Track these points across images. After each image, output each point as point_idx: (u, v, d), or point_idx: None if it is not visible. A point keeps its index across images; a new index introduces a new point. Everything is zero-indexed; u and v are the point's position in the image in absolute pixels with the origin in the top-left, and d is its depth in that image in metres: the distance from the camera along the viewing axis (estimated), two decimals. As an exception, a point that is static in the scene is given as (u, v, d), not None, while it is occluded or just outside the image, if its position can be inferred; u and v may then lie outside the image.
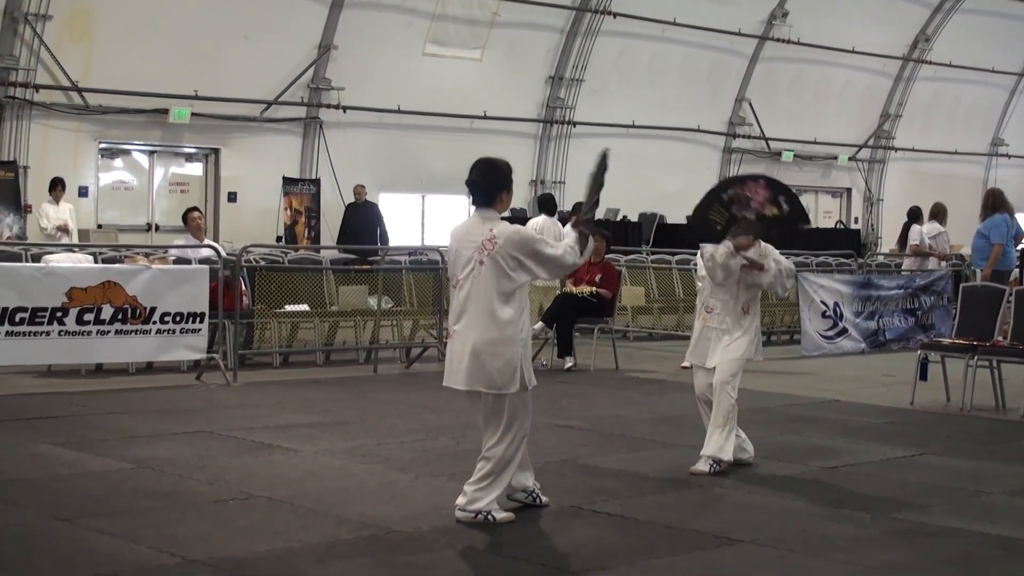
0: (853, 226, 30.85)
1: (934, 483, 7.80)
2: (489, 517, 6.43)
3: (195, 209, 13.99)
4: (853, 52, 29.15)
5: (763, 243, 8.10)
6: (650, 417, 10.27)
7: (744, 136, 28.52)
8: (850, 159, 30.93)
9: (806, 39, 28.00)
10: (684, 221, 25.55)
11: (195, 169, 21.74)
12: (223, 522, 6.44)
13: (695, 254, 13.17)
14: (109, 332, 11.29)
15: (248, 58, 20.96)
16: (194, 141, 21.26)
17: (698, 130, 27.63)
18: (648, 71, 26.44)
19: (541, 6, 24.06)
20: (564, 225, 14.76)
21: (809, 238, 25.72)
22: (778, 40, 27.81)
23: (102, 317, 11.23)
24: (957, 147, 32.69)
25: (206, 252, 12.91)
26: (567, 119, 25.45)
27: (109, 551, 5.84)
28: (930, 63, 30.87)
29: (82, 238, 18.38)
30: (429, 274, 14.40)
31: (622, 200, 24.50)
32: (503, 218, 6.73)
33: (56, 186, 17.92)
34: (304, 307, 13.50)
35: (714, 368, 8.06)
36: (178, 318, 11.64)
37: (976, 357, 10.74)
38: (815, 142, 29.86)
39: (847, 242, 25.57)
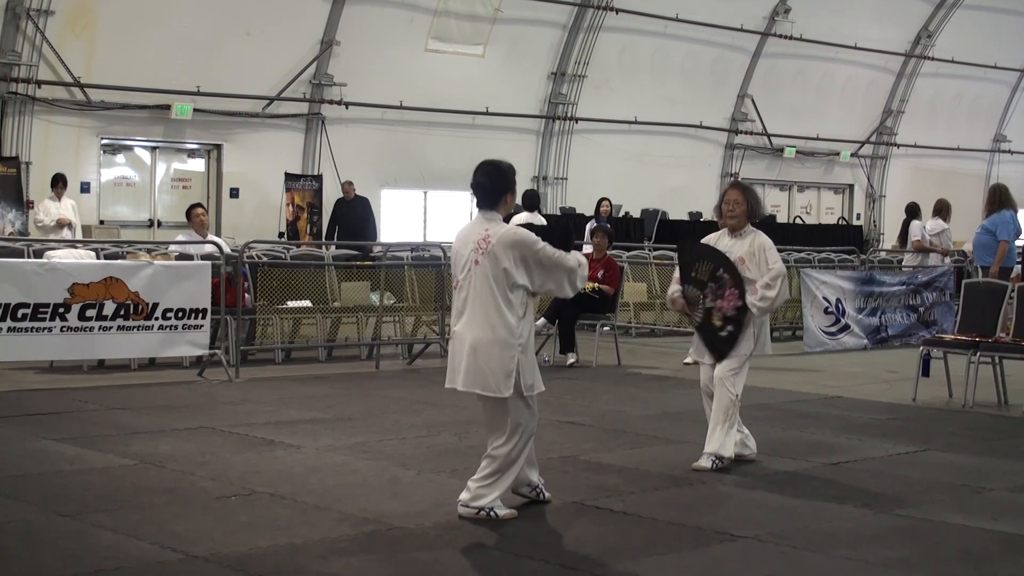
0: (855, 222, 30.84)
1: (936, 479, 7.79)
2: (492, 514, 6.43)
3: (199, 205, 13.99)
4: (855, 48, 29.15)
5: (765, 249, 8.06)
6: (652, 413, 10.26)
7: (746, 132, 28.51)
8: (852, 155, 30.92)
9: (808, 35, 27.98)
10: (687, 217, 25.69)
11: (197, 165, 21.75)
12: (225, 518, 6.44)
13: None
14: (111, 328, 11.29)
15: (250, 54, 20.96)
16: (196, 137, 21.27)
17: (700, 126, 27.63)
18: (650, 67, 26.43)
19: (543, 2, 24.05)
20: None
21: (811, 234, 25.76)
22: (780, 36, 27.79)
23: (104, 313, 11.23)
24: (959, 143, 32.67)
25: (210, 248, 12.91)
26: (569, 115, 25.44)
27: (111, 546, 5.84)
28: (933, 59, 30.85)
29: (84, 234, 18.40)
30: (431, 270, 14.40)
31: (624, 196, 24.51)
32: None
33: (58, 182, 17.94)
34: (306, 303, 13.50)
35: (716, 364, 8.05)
36: (180, 314, 11.64)
37: (978, 353, 10.73)
38: (817, 138, 29.85)
39: (849, 238, 25.55)
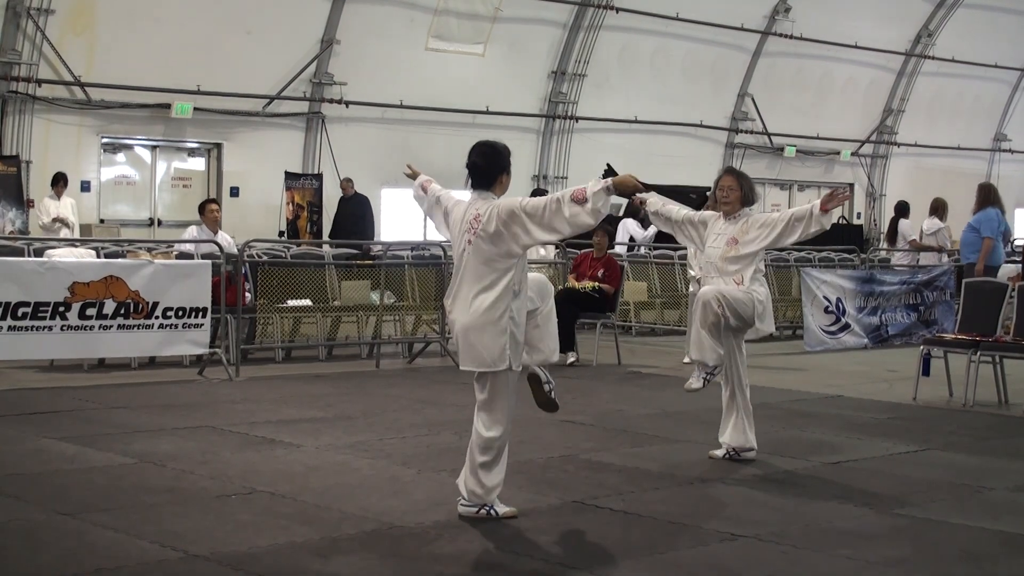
0: (856, 222, 30.83)
1: (936, 479, 7.79)
2: (492, 512, 6.42)
3: (213, 201, 13.98)
4: (856, 47, 29.13)
5: (756, 218, 8.05)
6: (653, 412, 10.26)
7: (747, 131, 28.49)
8: (853, 154, 30.90)
9: (809, 34, 27.96)
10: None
11: (197, 164, 21.73)
12: (225, 517, 6.44)
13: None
14: (112, 327, 11.29)
15: (251, 53, 20.95)
16: (196, 136, 21.26)
17: (700, 125, 27.61)
18: (651, 66, 26.42)
19: (543, 0, 24.03)
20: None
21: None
22: (781, 35, 27.77)
23: (104, 312, 11.23)
24: (960, 142, 32.65)
25: (224, 241, 12.89)
26: (570, 114, 25.43)
27: (111, 545, 5.84)
28: (933, 58, 30.83)
29: (84, 233, 18.39)
30: (431, 269, 14.40)
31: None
32: None
33: (58, 181, 17.93)
34: (306, 302, 13.51)
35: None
36: (180, 313, 11.64)
37: (979, 353, 10.74)
38: (818, 137, 29.83)
39: (850, 238, 25.51)
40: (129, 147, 21.04)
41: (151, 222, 21.08)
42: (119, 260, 12.11)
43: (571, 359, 13.37)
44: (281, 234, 21.08)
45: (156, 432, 8.79)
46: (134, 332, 11.44)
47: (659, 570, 5.72)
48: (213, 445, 8.36)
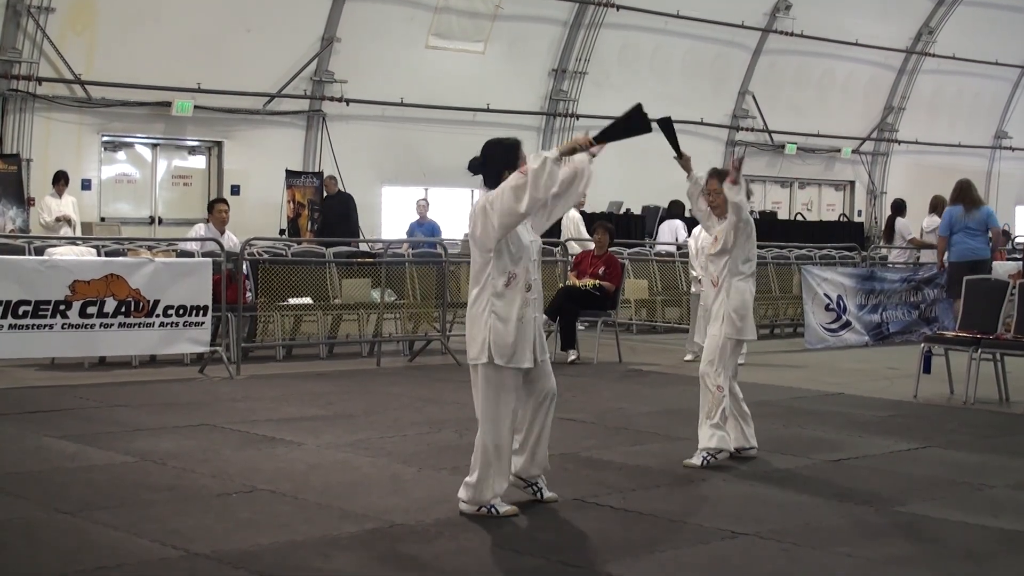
0: (856, 219, 30.82)
1: (937, 476, 7.79)
2: (492, 510, 6.43)
3: (223, 201, 13.98)
4: (856, 45, 29.12)
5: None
6: (653, 410, 10.26)
7: (747, 129, 28.49)
8: (853, 152, 30.90)
9: (809, 31, 27.95)
10: (688, 215, 25.66)
11: (198, 162, 21.74)
12: (226, 515, 6.44)
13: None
14: (112, 325, 11.30)
15: (251, 51, 20.95)
16: (197, 134, 21.26)
17: (701, 123, 27.60)
18: (651, 64, 26.41)
19: (544, -2, 24.06)
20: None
21: (812, 231, 25.75)
22: (781, 33, 27.77)
23: (105, 310, 11.24)
24: (960, 140, 32.64)
25: (229, 242, 12.89)
26: (570, 112, 25.43)
27: (112, 544, 5.84)
28: (934, 56, 30.83)
29: (85, 231, 18.39)
30: (432, 267, 14.39)
31: (625, 193, 24.50)
32: None
33: (59, 179, 17.93)
34: (307, 300, 13.51)
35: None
36: (181, 311, 11.65)
37: (980, 350, 10.73)
38: (818, 135, 29.83)
39: (850, 235, 25.55)
40: (130, 145, 21.04)
41: (152, 220, 21.08)
42: (120, 258, 12.12)
43: (572, 357, 13.37)
44: (282, 232, 21.07)
45: (157, 430, 8.79)
46: (135, 330, 11.45)
47: (660, 568, 5.72)
48: (214, 443, 8.36)
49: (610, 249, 14.17)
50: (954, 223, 14.08)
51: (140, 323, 11.44)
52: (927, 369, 11.08)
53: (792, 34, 27.82)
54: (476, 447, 6.49)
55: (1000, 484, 7.60)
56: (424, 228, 20.03)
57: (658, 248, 19.31)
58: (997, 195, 32.81)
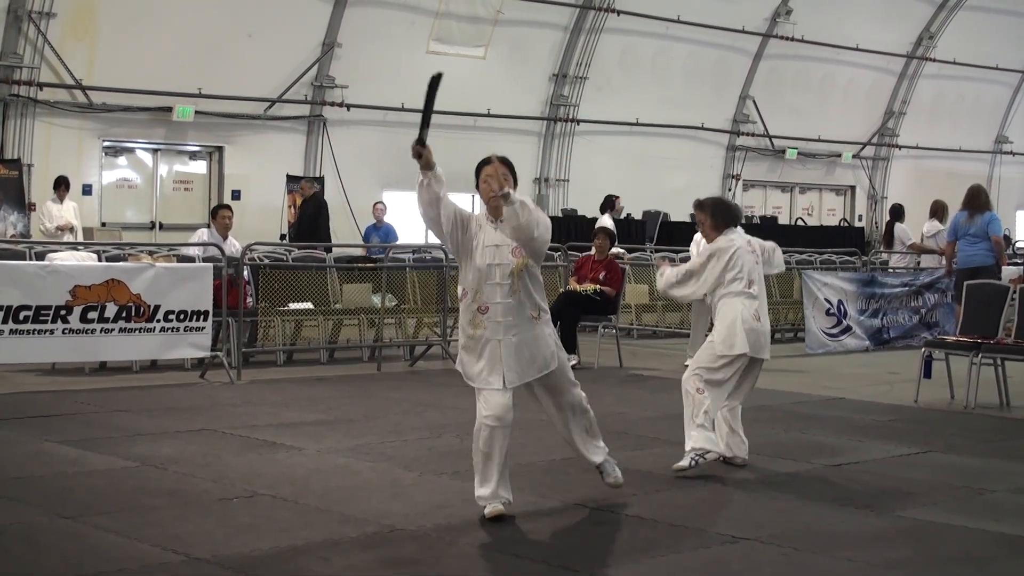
0: (857, 224, 30.83)
1: (938, 481, 7.79)
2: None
3: (227, 207, 13.95)
4: (857, 50, 29.14)
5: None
6: (654, 415, 10.26)
7: (748, 134, 28.50)
8: (854, 157, 30.90)
9: (810, 36, 27.97)
10: (688, 219, 25.67)
11: (199, 167, 21.75)
12: (227, 520, 6.44)
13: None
14: (113, 330, 11.31)
15: (252, 56, 20.97)
16: (198, 139, 21.28)
17: (702, 128, 27.62)
18: (652, 68, 26.43)
19: (545, 4, 24.05)
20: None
21: (813, 236, 25.75)
22: (782, 37, 27.78)
23: (106, 315, 11.24)
24: (961, 144, 32.66)
25: (232, 248, 12.89)
26: (571, 117, 25.45)
27: (113, 549, 5.84)
28: (934, 60, 30.84)
29: (86, 236, 18.40)
30: (433, 272, 14.40)
31: (626, 198, 24.46)
32: None
33: (60, 185, 17.93)
34: (308, 305, 13.51)
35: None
36: (182, 316, 11.66)
37: (980, 355, 10.73)
38: (819, 140, 29.84)
39: (851, 240, 25.56)
40: (130, 150, 21.06)
41: (152, 225, 21.10)
42: (120, 263, 12.12)
43: (572, 362, 13.35)
44: (283, 237, 21.08)
45: (157, 435, 8.79)
46: (135, 335, 11.46)
47: (660, 572, 5.72)
48: (214, 448, 8.36)
49: (612, 248, 14.17)
50: (957, 229, 14.09)
51: (141, 328, 11.45)
52: (928, 374, 11.07)
53: (793, 39, 27.83)
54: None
55: (1001, 488, 7.60)
56: (380, 232, 19.84)
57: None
58: (998, 200, 32.72)
